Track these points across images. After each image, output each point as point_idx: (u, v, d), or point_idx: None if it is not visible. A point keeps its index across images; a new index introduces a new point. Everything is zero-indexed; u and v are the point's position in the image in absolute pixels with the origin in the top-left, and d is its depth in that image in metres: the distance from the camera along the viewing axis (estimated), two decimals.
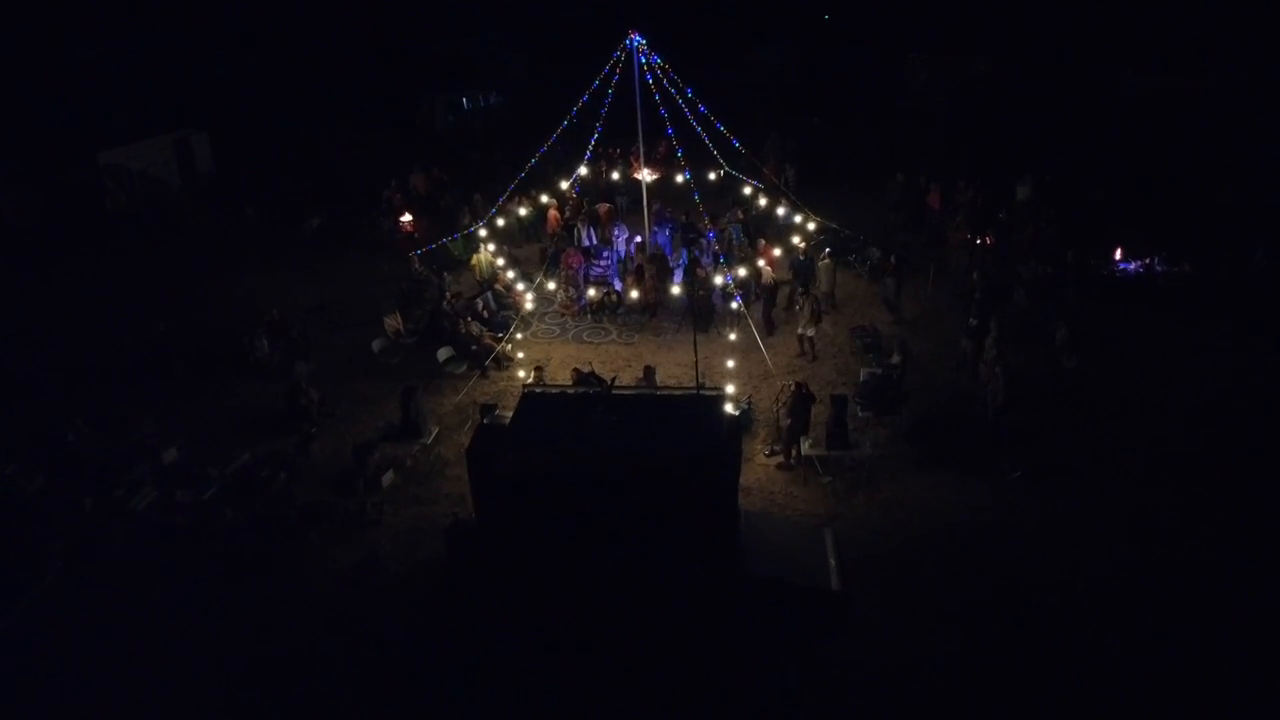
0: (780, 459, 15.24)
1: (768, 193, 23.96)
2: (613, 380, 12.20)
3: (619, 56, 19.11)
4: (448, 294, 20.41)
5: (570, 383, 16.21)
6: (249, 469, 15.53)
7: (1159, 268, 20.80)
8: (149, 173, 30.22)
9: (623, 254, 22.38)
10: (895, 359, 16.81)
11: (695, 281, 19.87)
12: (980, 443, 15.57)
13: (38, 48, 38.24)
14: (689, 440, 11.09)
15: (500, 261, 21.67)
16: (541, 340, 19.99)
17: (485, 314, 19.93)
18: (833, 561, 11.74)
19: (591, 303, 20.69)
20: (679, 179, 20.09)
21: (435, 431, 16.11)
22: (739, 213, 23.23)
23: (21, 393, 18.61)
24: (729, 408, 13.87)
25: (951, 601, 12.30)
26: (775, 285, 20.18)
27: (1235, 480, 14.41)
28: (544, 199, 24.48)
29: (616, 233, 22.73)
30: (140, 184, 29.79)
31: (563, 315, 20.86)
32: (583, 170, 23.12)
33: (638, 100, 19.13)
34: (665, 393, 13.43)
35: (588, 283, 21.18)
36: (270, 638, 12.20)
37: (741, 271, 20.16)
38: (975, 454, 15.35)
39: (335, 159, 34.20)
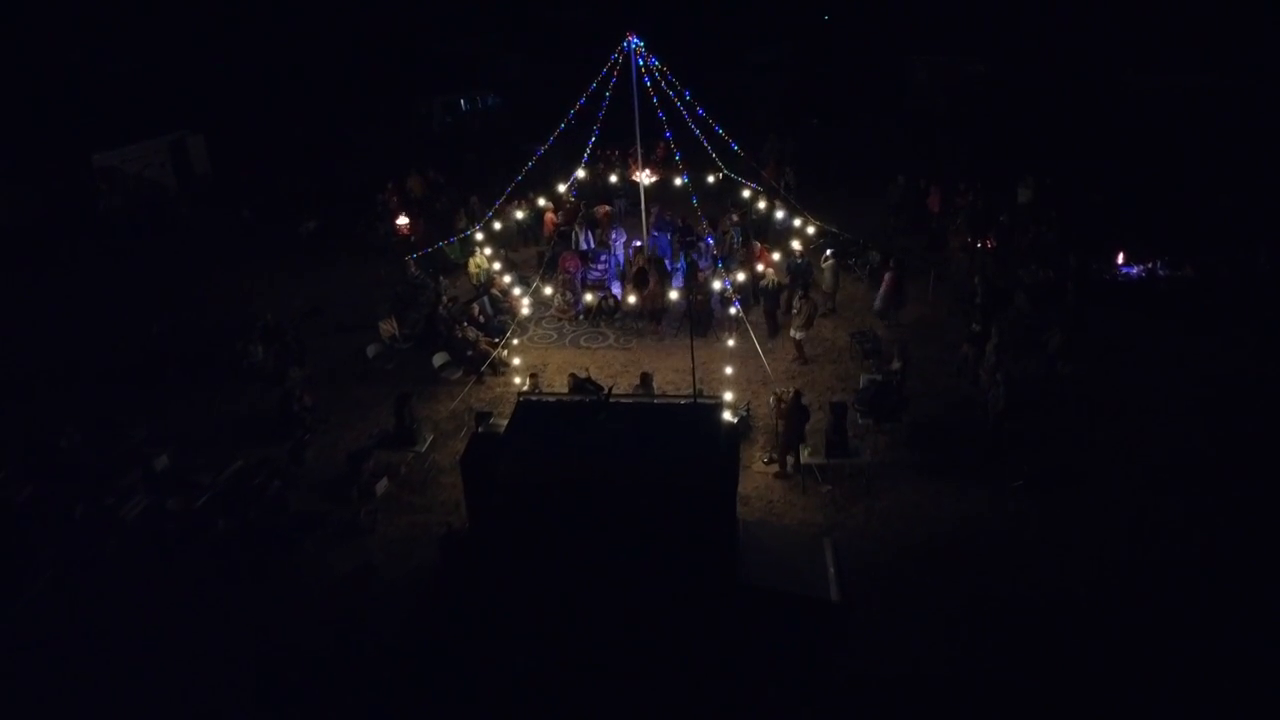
0: (778, 467, 15.06)
1: (766, 195, 23.80)
2: (609, 389, 12.00)
3: (617, 59, 18.95)
4: (444, 298, 20.22)
5: (567, 388, 16.07)
6: (241, 476, 15.33)
7: (1161, 272, 20.63)
8: (144, 175, 30.06)
9: (620, 258, 22.17)
10: (895, 365, 16.62)
11: (694, 286, 19.69)
12: (981, 450, 15.39)
13: (32, 49, 38.02)
14: (686, 449, 10.94)
15: (497, 265, 21.48)
16: (538, 345, 19.81)
17: (481, 319, 19.75)
18: (832, 571, 11.58)
19: (589, 307, 20.49)
20: (677, 181, 19.91)
21: (430, 439, 15.94)
22: (734, 216, 22.99)
23: (12, 397, 18.45)
24: (727, 415, 13.74)
25: (952, 611, 12.14)
26: (778, 287, 19.98)
27: (1241, 488, 14.24)
28: (541, 202, 24.30)
29: (614, 236, 22.55)
30: (135, 186, 29.61)
31: (559, 320, 20.68)
32: (580, 173, 22.94)
33: (635, 102, 18.97)
34: (662, 401, 13.25)
35: (585, 287, 20.99)
36: (263, 648, 12.03)
37: (740, 276, 19.97)
38: (976, 462, 15.18)
39: (332, 161, 34.04)
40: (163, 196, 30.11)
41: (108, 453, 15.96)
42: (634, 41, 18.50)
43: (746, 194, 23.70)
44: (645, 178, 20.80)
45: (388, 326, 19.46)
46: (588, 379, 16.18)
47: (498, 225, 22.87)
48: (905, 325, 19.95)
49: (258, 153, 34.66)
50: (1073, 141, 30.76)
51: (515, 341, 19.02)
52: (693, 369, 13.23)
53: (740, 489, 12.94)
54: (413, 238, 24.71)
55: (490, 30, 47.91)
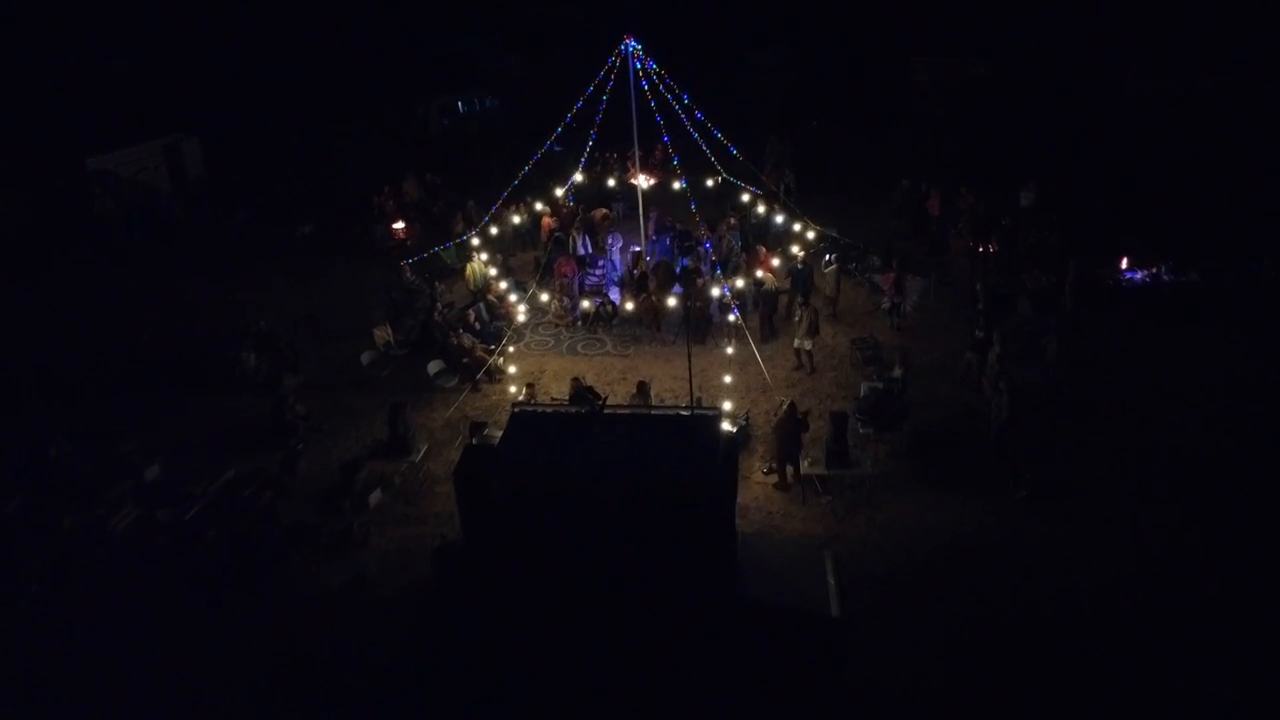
0: (777, 478, 14.84)
1: (766, 199, 23.59)
2: (603, 401, 11.79)
3: (614, 62, 18.75)
4: (439, 304, 19.99)
5: (569, 393, 15.87)
6: (233, 487, 15.13)
7: (1166, 277, 20.38)
8: (139, 179, 29.78)
9: (618, 263, 21.94)
10: (897, 372, 16.41)
11: (692, 292, 19.45)
12: (984, 460, 15.19)
13: (25, 51, 37.75)
14: (683, 462, 10.72)
15: (493, 271, 21.23)
16: (535, 352, 19.58)
17: (477, 325, 19.50)
18: (832, 584, 11.39)
19: (586, 314, 20.25)
20: (675, 185, 19.68)
21: (424, 448, 15.73)
22: (732, 220, 22.75)
23: (2, 405, 18.21)
24: (726, 425, 13.51)
25: (955, 625, 11.97)
26: (776, 292, 19.75)
27: (1249, 500, 14.03)
28: (538, 206, 24.08)
29: (611, 242, 22.31)
30: (130, 190, 29.36)
31: (556, 326, 20.45)
32: (578, 177, 22.72)
33: (633, 106, 18.76)
34: (659, 412, 13.03)
35: (582, 293, 20.76)
36: (253, 663, 11.86)
37: (739, 283, 19.71)
38: (979, 471, 14.98)
39: (328, 164, 33.78)
40: (157, 200, 29.84)
41: (98, 462, 15.76)
42: (631, 44, 18.31)
43: (746, 198, 23.49)
44: (644, 182, 20.59)
45: (382, 333, 19.23)
46: (589, 388, 15.98)
47: (494, 230, 22.66)
48: (908, 329, 19.70)
49: (253, 156, 34.40)
50: (1076, 144, 30.50)
51: (511, 349, 18.77)
52: (689, 378, 12.98)
53: (739, 500, 12.70)
54: (409, 242, 24.49)
55: (488, 30, 47.61)
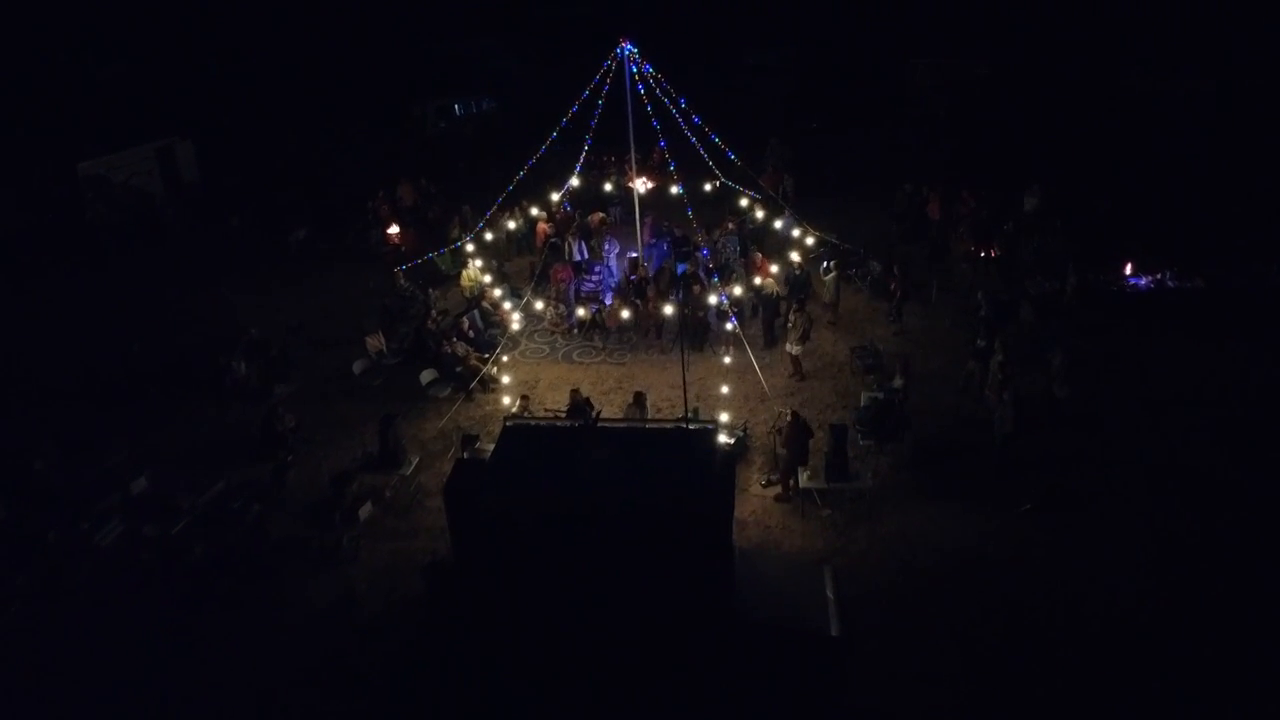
0: (778, 489, 14.57)
1: (765, 203, 23.29)
2: (597, 415, 11.50)
3: (609, 65, 18.47)
4: (433, 311, 19.70)
5: (567, 405, 15.61)
6: (221, 500, 14.87)
7: (1171, 283, 20.07)
8: (131, 183, 29.51)
9: (614, 269, 21.62)
10: (898, 382, 16.08)
11: (689, 299, 19.14)
12: (987, 472, 14.89)
13: (15, 55, 37.38)
14: (679, 478, 10.47)
15: (487, 278, 20.91)
16: (530, 360, 19.29)
17: (471, 333, 19.20)
18: (832, 601, 11.13)
19: (581, 321, 19.93)
20: (673, 190, 19.38)
21: (415, 461, 15.43)
22: (730, 224, 22.45)
23: None
24: (723, 438, 13.23)
25: (958, 642, 11.71)
26: (777, 298, 19.44)
27: (1258, 510, 13.73)
28: (534, 211, 23.79)
29: (607, 247, 21.99)
30: (122, 195, 29.07)
31: (552, 334, 20.14)
32: (574, 181, 22.43)
33: (629, 109, 18.48)
34: (655, 425, 12.74)
35: (578, 299, 20.45)
36: (240, 680, 11.64)
37: (737, 290, 19.38)
38: (981, 484, 14.68)
39: (324, 167, 33.48)
40: (150, 205, 29.56)
41: (85, 475, 15.48)
42: (627, 48, 18.03)
43: (744, 202, 23.20)
44: (641, 185, 20.30)
45: (375, 341, 18.94)
46: (586, 400, 15.69)
47: (489, 235, 22.35)
48: (909, 335, 19.40)
49: (248, 159, 34.12)
50: (1080, 147, 30.15)
51: (505, 358, 18.44)
52: (684, 390, 12.72)
53: (736, 513, 12.48)
54: (403, 248, 24.20)
55: (486, 31, 47.30)
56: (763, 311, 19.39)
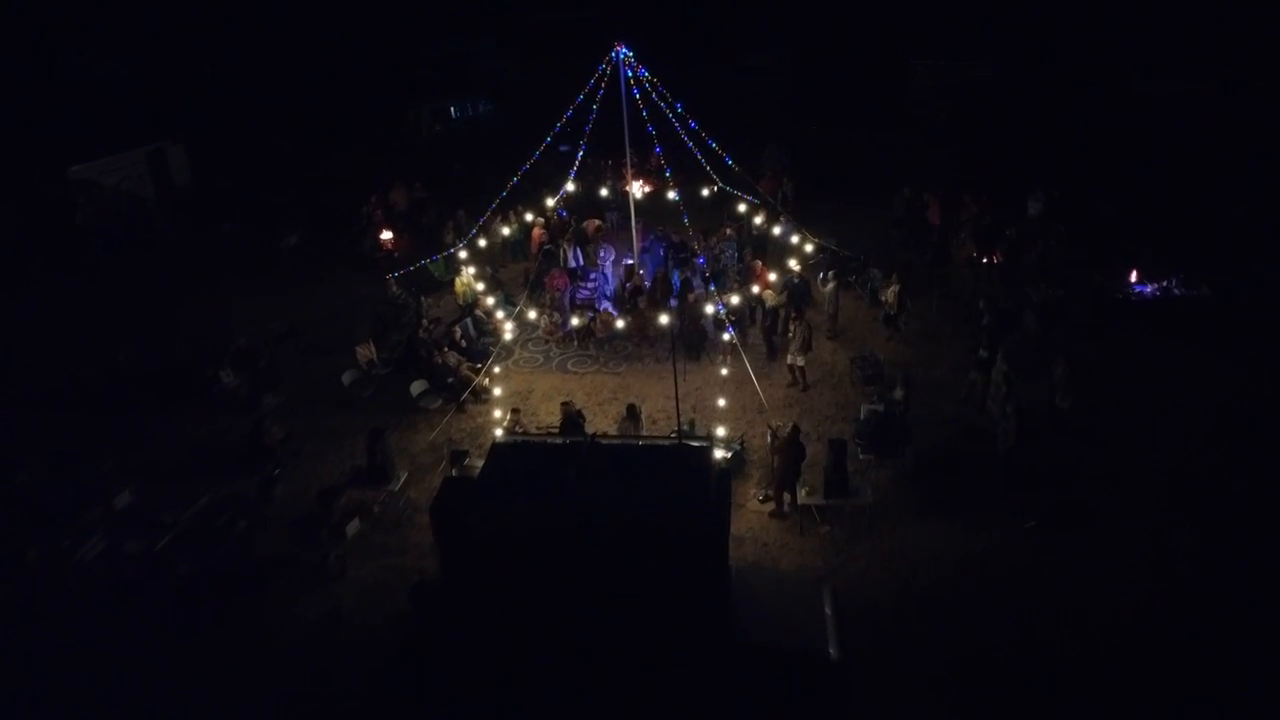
0: (773, 506, 14.20)
1: (764, 209, 22.94)
2: (592, 438, 11.15)
3: (604, 69, 18.14)
4: (425, 319, 19.34)
5: (560, 420, 15.24)
6: (206, 514, 14.52)
7: (1176, 290, 19.72)
8: (122, 187, 29.15)
9: (610, 276, 21.27)
10: (899, 393, 15.74)
11: (686, 307, 18.79)
12: (990, 486, 14.53)
13: (5, 59, 37.01)
14: (673, 496, 10.15)
15: (480, 286, 20.54)
16: (523, 369, 18.93)
17: (464, 342, 18.83)
18: (831, 621, 10.82)
19: (577, 329, 19.57)
20: (670, 195, 19.04)
21: (405, 475, 15.08)
22: (728, 230, 22.08)
23: None
24: (719, 453, 12.90)
25: (961, 661, 11.41)
26: (778, 308, 19.07)
27: (1269, 524, 13.39)
28: (529, 216, 23.43)
29: (602, 255, 21.62)
30: (113, 199, 28.71)
31: (546, 342, 19.79)
32: (570, 186, 22.07)
33: (625, 113, 18.13)
34: (648, 441, 12.40)
35: (573, 307, 20.10)
36: (223, 701, 11.34)
37: (735, 299, 19.02)
38: (984, 498, 14.33)
39: (317, 170, 33.12)
40: (141, 210, 29.19)
41: (68, 488, 15.10)
42: (622, 51, 17.70)
43: (743, 208, 22.84)
44: (638, 190, 19.95)
45: (365, 351, 18.56)
46: (579, 414, 15.34)
47: (483, 241, 22.00)
48: (909, 343, 19.06)
49: (240, 163, 33.76)
50: (1084, 152, 29.82)
51: (498, 368, 18.05)
52: (676, 405, 12.37)
53: (733, 529, 12.18)
54: (397, 253, 23.83)
55: (482, 32, 46.92)
56: (764, 322, 19.05)
